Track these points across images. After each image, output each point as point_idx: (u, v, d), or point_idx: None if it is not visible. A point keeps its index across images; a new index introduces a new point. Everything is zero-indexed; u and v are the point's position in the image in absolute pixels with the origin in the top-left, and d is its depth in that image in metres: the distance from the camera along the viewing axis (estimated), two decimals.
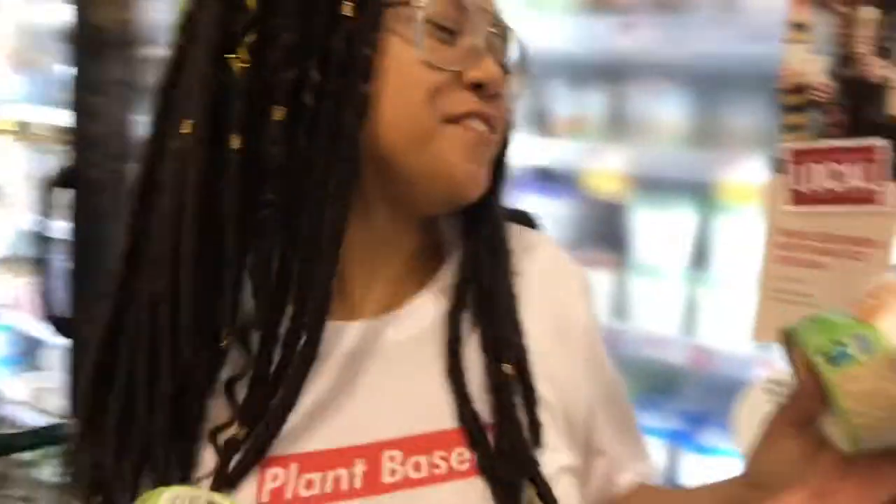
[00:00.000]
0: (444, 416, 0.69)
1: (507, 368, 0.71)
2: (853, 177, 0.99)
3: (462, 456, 0.67)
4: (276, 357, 0.66)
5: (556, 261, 0.83)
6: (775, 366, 1.39)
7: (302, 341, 0.66)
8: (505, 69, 0.73)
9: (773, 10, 1.37)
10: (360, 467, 0.66)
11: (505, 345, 0.72)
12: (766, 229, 1.07)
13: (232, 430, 0.65)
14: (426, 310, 0.74)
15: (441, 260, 0.78)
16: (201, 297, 0.65)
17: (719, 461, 1.55)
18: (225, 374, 0.67)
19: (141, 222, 0.69)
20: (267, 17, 0.65)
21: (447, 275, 0.76)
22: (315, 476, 0.65)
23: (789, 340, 0.61)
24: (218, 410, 0.67)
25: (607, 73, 1.64)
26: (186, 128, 0.66)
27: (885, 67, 0.96)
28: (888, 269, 0.98)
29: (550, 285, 0.80)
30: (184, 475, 0.66)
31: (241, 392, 0.66)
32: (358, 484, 0.66)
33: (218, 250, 0.65)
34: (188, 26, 0.70)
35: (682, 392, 1.66)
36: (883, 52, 0.96)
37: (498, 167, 0.76)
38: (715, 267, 1.53)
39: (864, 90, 0.98)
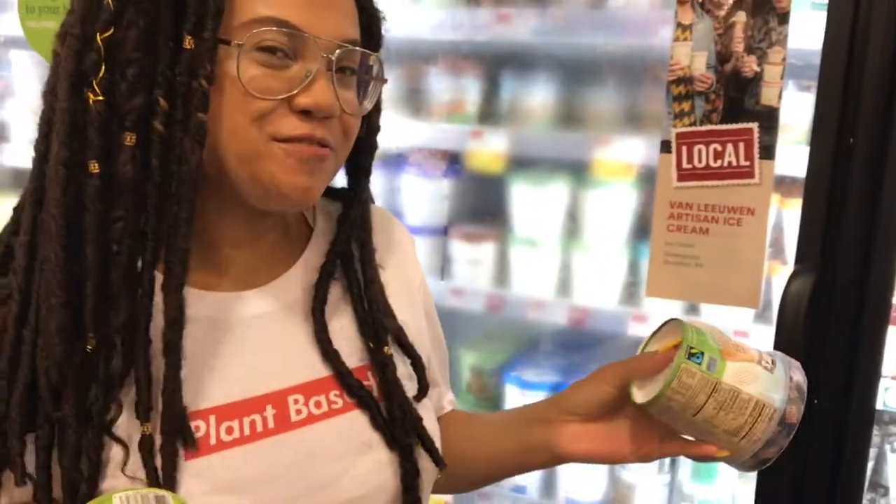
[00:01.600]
0: (322, 366, 0.85)
1: (388, 350, 0.88)
2: (731, 156, 1.18)
3: (339, 395, 0.84)
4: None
5: (394, 230, 0.99)
6: (646, 320, 1.59)
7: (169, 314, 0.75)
8: (361, 85, 0.82)
9: (638, 6, 1.56)
10: (270, 411, 0.80)
11: (382, 329, 0.88)
12: (657, 202, 1.24)
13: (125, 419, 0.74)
14: (294, 283, 0.87)
15: (307, 240, 0.91)
16: (68, 304, 0.72)
17: None
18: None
19: (29, 235, 0.75)
20: (115, 53, 0.72)
21: (313, 254, 0.89)
22: (233, 423, 0.78)
23: (674, 327, 0.86)
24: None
25: (484, 60, 1.76)
26: (56, 147, 0.72)
27: (755, 63, 1.15)
28: (763, 231, 1.18)
29: (394, 253, 0.96)
30: (92, 461, 0.73)
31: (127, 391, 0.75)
32: (271, 425, 0.79)
33: (82, 263, 0.73)
34: (55, 54, 0.75)
35: (562, 348, 1.83)
36: (754, 51, 1.15)
37: (359, 161, 0.89)
38: (586, 235, 1.71)
39: (740, 82, 1.16)
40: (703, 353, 0.80)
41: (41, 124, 0.76)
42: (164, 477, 0.73)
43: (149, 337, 0.74)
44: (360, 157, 0.89)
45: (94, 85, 0.71)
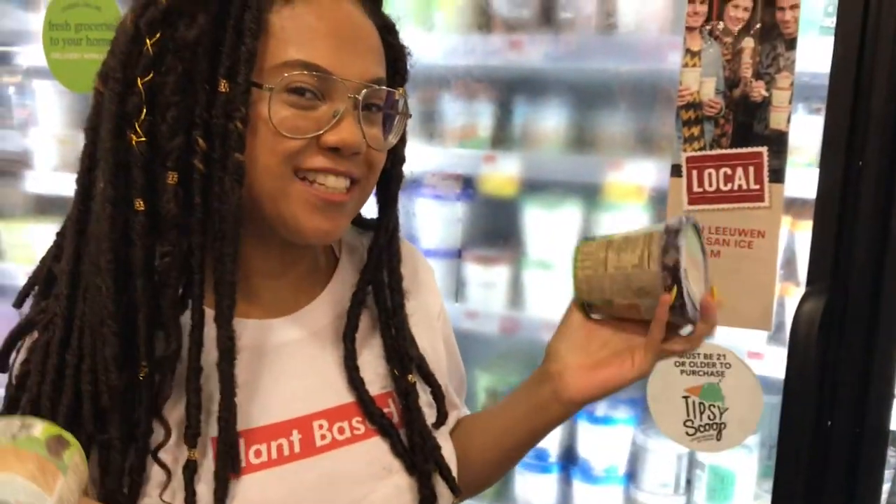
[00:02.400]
0: (350, 392, 0.87)
1: (412, 378, 0.90)
2: (741, 179, 1.19)
3: (362, 421, 0.87)
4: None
5: (417, 261, 1.02)
6: None
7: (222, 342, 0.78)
8: (386, 121, 0.85)
9: (647, 32, 1.58)
10: (296, 435, 0.83)
11: (406, 357, 0.91)
12: None
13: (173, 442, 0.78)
14: (321, 311, 0.90)
15: (334, 269, 0.94)
16: (119, 333, 0.75)
17: (615, 430, 1.74)
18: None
19: (71, 264, 0.78)
20: (155, 96, 0.75)
21: (338, 283, 0.93)
22: (261, 447, 0.81)
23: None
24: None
25: (496, 85, 1.79)
26: (101, 184, 0.76)
27: (764, 88, 1.17)
28: (774, 254, 1.19)
29: (416, 283, 0.99)
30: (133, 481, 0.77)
31: (172, 412, 0.78)
32: (297, 449, 0.82)
33: (132, 295, 0.76)
34: (101, 91, 0.78)
35: None
36: (762, 76, 1.17)
37: (387, 191, 0.92)
38: None
39: (749, 107, 1.18)
40: (594, 237, 0.91)
41: (83, 158, 0.79)
42: (216, 501, 0.76)
43: (200, 366, 0.77)
44: (388, 187, 0.91)
45: (137, 126, 0.74)
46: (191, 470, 0.76)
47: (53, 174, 2.15)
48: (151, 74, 0.74)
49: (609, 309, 0.90)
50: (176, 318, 0.77)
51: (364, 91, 0.79)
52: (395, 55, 0.87)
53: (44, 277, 0.85)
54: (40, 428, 0.65)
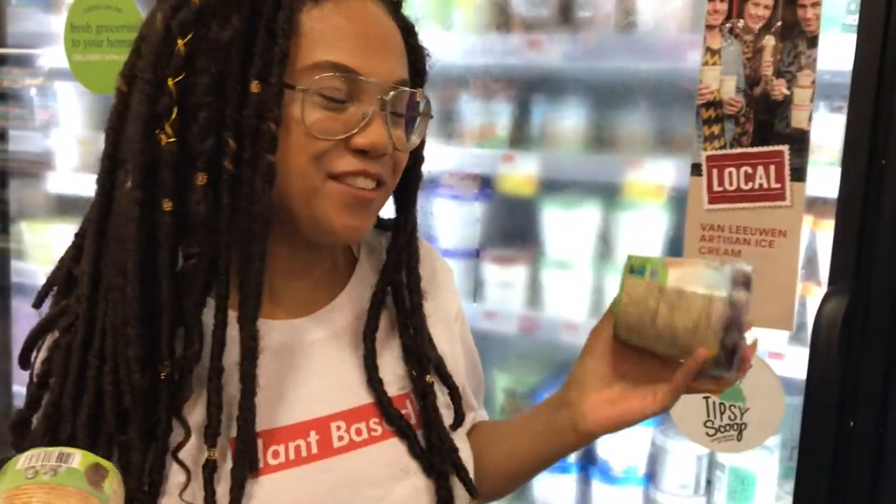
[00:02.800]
0: (367, 394, 0.87)
1: (429, 378, 0.90)
2: (762, 178, 1.18)
3: (379, 422, 0.87)
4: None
5: (435, 261, 1.02)
6: None
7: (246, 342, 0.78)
8: (409, 122, 0.85)
9: (667, 30, 1.57)
10: (314, 436, 0.83)
11: (424, 357, 0.91)
12: (688, 225, 1.24)
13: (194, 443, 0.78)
14: (341, 311, 0.90)
15: (353, 269, 0.94)
16: (144, 335, 0.76)
17: (634, 431, 1.73)
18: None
19: (91, 265, 0.79)
20: (186, 97, 0.75)
21: (358, 283, 0.93)
22: (279, 447, 0.81)
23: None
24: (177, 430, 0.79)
25: (515, 84, 1.78)
26: (128, 184, 0.76)
27: (785, 86, 1.16)
28: (795, 253, 1.18)
29: (435, 284, 0.98)
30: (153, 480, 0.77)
31: (192, 412, 0.79)
32: (315, 450, 0.82)
33: (156, 296, 0.76)
34: (125, 91, 0.79)
35: None
36: (783, 74, 1.16)
37: (406, 192, 0.92)
38: (618, 257, 1.71)
39: (769, 105, 1.17)
40: (644, 267, 0.84)
41: (104, 159, 0.79)
42: (231, 500, 0.76)
43: (221, 366, 0.78)
44: (407, 187, 0.91)
45: (167, 127, 0.74)
46: (210, 469, 0.77)
47: (74, 175, 2.17)
48: (183, 75, 0.74)
49: (643, 347, 0.86)
50: (198, 318, 0.77)
51: (391, 93, 0.80)
52: (415, 56, 0.87)
53: (63, 278, 0.85)
54: (78, 459, 0.65)
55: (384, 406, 0.87)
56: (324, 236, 0.82)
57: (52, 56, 2.13)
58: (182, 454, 0.77)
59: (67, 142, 2.21)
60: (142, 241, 0.75)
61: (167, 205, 0.74)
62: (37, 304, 0.88)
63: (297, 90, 0.76)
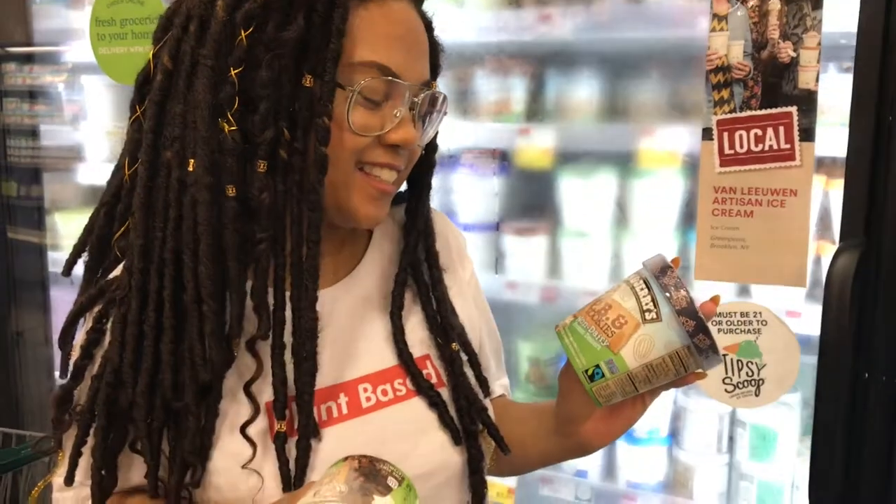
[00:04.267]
0: (391, 356, 0.93)
1: (455, 346, 0.95)
2: (771, 139, 1.22)
3: (403, 382, 0.92)
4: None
5: (448, 231, 1.06)
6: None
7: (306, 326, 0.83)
8: (428, 117, 0.89)
9: (674, 1, 1.60)
10: (343, 398, 0.88)
11: (450, 327, 0.96)
12: (701, 188, 1.28)
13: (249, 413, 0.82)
14: (363, 278, 0.96)
15: (369, 236, 0.99)
16: (219, 311, 0.80)
17: None
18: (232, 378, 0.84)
19: (142, 239, 0.81)
20: (246, 87, 0.79)
21: (375, 251, 0.98)
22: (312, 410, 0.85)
23: (561, 337, 0.85)
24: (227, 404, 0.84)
25: (528, 59, 1.82)
26: (191, 167, 0.79)
27: (791, 48, 1.19)
28: (806, 211, 1.21)
29: (448, 253, 1.03)
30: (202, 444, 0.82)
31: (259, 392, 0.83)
32: (345, 411, 0.88)
33: (224, 276, 0.80)
34: (170, 69, 0.81)
35: None
36: (789, 36, 1.18)
37: (422, 178, 0.97)
38: (635, 224, 1.75)
39: (777, 68, 1.20)
40: (597, 367, 0.81)
41: (148, 132, 0.82)
42: (296, 470, 0.81)
43: (284, 343, 0.83)
44: (423, 173, 0.97)
45: (229, 116, 0.78)
46: (281, 442, 0.82)
47: (105, 165, 2.23)
48: (243, 66, 0.78)
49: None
50: (265, 298, 0.81)
51: (422, 95, 0.85)
52: (433, 52, 0.92)
53: (97, 248, 0.89)
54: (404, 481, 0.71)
55: (408, 366, 0.92)
56: (346, 222, 0.88)
57: (78, 51, 2.18)
58: (220, 420, 0.82)
59: (96, 134, 2.27)
60: (214, 224, 0.78)
61: (231, 190, 0.78)
62: (66, 272, 0.92)
63: (347, 90, 0.80)
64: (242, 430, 0.82)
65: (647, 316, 0.79)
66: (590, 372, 0.81)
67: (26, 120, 2.37)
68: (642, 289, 0.81)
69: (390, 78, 0.82)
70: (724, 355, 1.33)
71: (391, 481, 0.70)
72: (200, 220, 0.78)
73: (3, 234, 2.29)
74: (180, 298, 0.80)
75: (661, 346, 0.79)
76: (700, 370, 0.83)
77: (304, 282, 0.82)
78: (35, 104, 2.38)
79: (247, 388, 0.83)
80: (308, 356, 0.83)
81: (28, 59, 2.36)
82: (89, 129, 2.28)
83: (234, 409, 0.84)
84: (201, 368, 0.79)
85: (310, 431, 0.83)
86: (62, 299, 2.33)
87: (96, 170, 2.25)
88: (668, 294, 0.79)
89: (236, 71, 0.78)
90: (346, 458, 0.72)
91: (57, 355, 2.37)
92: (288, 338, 0.83)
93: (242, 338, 0.81)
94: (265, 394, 0.84)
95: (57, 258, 2.34)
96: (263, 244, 0.80)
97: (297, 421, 0.83)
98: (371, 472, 0.70)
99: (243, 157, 0.79)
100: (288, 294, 0.83)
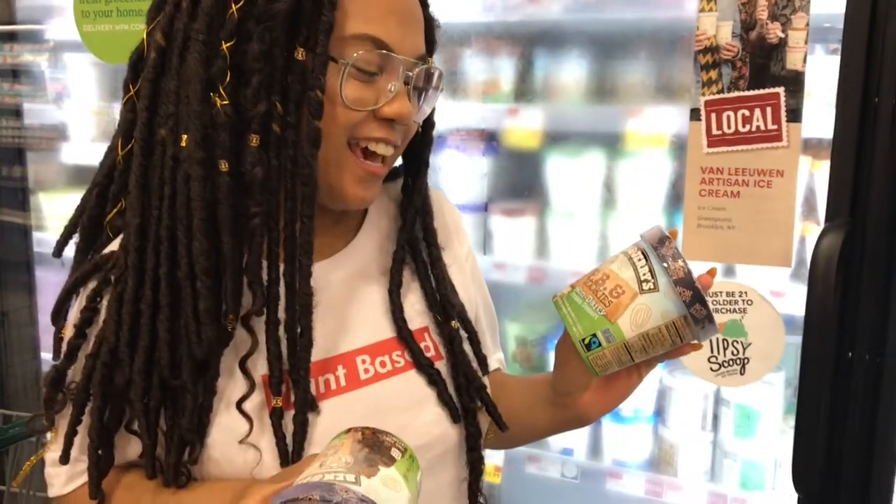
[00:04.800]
0: (388, 328, 0.93)
1: (454, 324, 0.96)
2: (759, 120, 1.22)
3: (401, 354, 0.92)
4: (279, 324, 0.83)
5: (444, 208, 1.06)
6: None
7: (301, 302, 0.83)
8: (424, 93, 0.88)
9: None
10: (341, 370, 0.88)
11: (449, 305, 0.97)
12: (688, 168, 1.29)
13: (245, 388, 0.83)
14: (360, 251, 0.96)
15: (364, 213, 0.99)
16: (213, 288, 0.80)
17: None
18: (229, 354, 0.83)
19: (139, 217, 0.81)
20: (238, 61, 0.78)
21: (371, 224, 0.98)
22: (310, 382, 0.85)
23: (558, 306, 0.86)
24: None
25: (517, 40, 1.81)
26: (184, 142, 0.78)
27: (780, 29, 1.19)
28: (793, 192, 1.22)
29: (445, 230, 1.03)
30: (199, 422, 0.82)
31: (254, 367, 0.83)
32: (343, 383, 0.88)
33: (218, 252, 0.80)
34: (163, 46, 0.81)
35: None
36: (778, 17, 1.19)
37: (420, 155, 0.96)
38: (622, 205, 1.76)
39: (765, 49, 1.20)
40: (594, 336, 0.82)
41: (143, 110, 0.81)
42: (294, 444, 0.82)
43: (278, 318, 0.82)
44: (420, 151, 0.96)
45: (221, 90, 0.77)
46: (277, 417, 0.82)
47: (90, 145, 2.22)
48: (234, 40, 0.77)
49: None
50: (260, 273, 0.81)
51: (416, 69, 0.84)
52: (428, 27, 0.91)
53: (88, 229, 0.88)
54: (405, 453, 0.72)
55: (407, 340, 0.92)
56: (335, 203, 0.87)
57: (61, 28, 2.16)
58: (224, 395, 0.83)
59: (80, 113, 2.25)
60: (208, 199, 0.78)
61: (224, 165, 0.78)
62: (57, 253, 0.92)
63: (339, 63, 0.80)
64: (238, 405, 0.82)
65: (645, 286, 0.80)
66: (587, 341, 0.82)
67: (8, 99, 2.35)
68: (640, 259, 0.82)
69: (384, 51, 0.81)
70: None
71: (395, 452, 0.71)
72: (194, 195, 0.78)
73: None
74: (175, 276, 0.80)
75: (657, 316, 0.80)
76: (696, 341, 0.83)
77: (298, 257, 0.82)
78: (17, 83, 2.36)
79: (242, 364, 0.82)
80: (303, 331, 0.83)
81: (10, 37, 2.33)
82: (73, 108, 2.26)
83: (231, 385, 0.84)
84: (196, 346, 0.79)
85: (307, 406, 0.83)
86: (47, 280, 2.31)
87: (81, 149, 2.23)
88: (665, 264, 0.80)
89: (228, 45, 0.77)
90: (348, 430, 0.73)
91: (43, 335, 2.36)
92: (282, 313, 0.83)
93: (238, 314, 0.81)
94: (260, 369, 0.84)
95: (42, 238, 2.32)
96: (257, 219, 0.79)
97: (294, 396, 0.83)
98: (375, 443, 0.70)
99: (235, 132, 0.78)
100: (282, 269, 0.83)
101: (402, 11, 0.84)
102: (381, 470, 0.67)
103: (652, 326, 0.81)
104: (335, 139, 0.82)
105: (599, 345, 0.82)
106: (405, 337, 0.92)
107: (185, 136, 0.78)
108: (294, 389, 0.83)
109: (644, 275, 0.81)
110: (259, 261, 0.81)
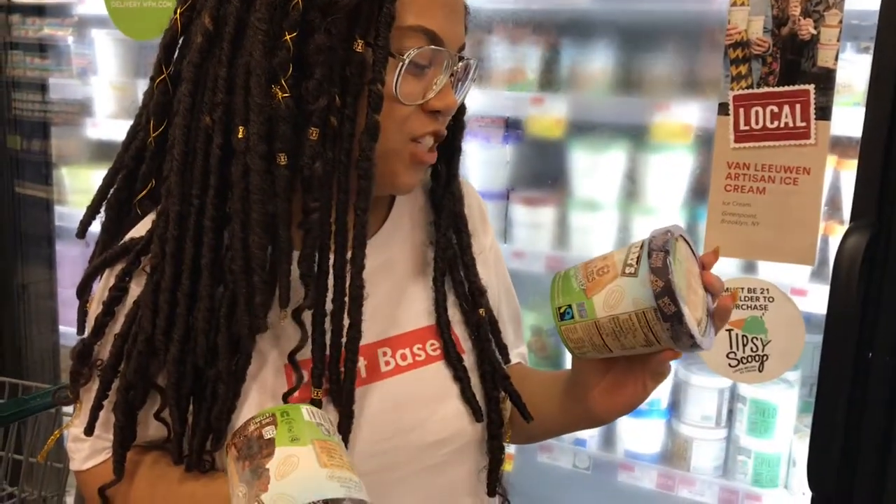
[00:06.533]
0: (420, 318, 0.93)
1: (482, 312, 0.96)
2: (787, 117, 1.21)
3: (434, 345, 0.92)
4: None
5: (471, 198, 1.05)
6: None
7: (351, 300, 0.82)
8: (462, 82, 0.88)
9: None
10: (362, 362, 0.87)
11: (478, 293, 0.96)
12: (714, 163, 1.28)
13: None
14: (388, 239, 0.95)
15: (390, 200, 0.98)
16: (271, 283, 0.79)
17: None
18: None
19: (178, 205, 0.80)
20: (300, 53, 0.77)
21: (399, 212, 0.97)
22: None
23: (553, 280, 0.87)
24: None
25: (543, 28, 1.80)
26: (241, 134, 0.77)
27: (812, 26, 1.18)
28: (819, 190, 1.21)
29: (473, 217, 1.02)
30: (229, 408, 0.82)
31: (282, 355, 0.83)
32: (363, 375, 0.87)
33: (275, 245, 0.79)
34: (210, 30, 0.79)
35: None
36: (811, 14, 1.18)
37: (453, 141, 0.95)
38: (645, 198, 1.75)
39: (796, 45, 1.19)
40: (570, 307, 0.82)
41: (186, 96, 0.80)
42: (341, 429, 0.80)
43: (325, 311, 0.82)
44: (453, 136, 0.95)
45: (283, 82, 0.76)
46: (316, 407, 0.80)
47: (113, 121, 2.23)
48: (297, 31, 0.76)
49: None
50: (313, 267, 0.80)
51: (461, 63, 0.85)
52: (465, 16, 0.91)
53: (115, 209, 0.88)
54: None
55: (444, 336, 0.92)
56: (383, 189, 0.86)
57: (88, 3, 2.16)
58: (248, 384, 0.82)
59: (105, 88, 2.26)
60: (267, 192, 0.77)
61: (282, 158, 0.77)
62: (80, 234, 0.92)
63: (397, 58, 0.79)
64: (284, 398, 0.81)
65: (627, 270, 0.79)
66: (562, 310, 0.82)
67: (34, 73, 2.36)
68: (637, 247, 0.81)
69: (435, 45, 0.81)
70: (729, 330, 1.34)
71: (266, 433, 0.67)
72: (253, 188, 0.76)
73: (10, 188, 2.29)
74: (218, 266, 0.80)
75: (629, 302, 0.79)
76: (671, 346, 0.80)
77: (353, 249, 0.81)
78: (43, 57, 2.37)
79: (291, 358, 0.81)
80: (353, 323, 0.82)
81: (38, 11, 2.34)
82: (98, 84, 2.27)
83: (262, 373, 0.84)
84: (247, 339, 0.79)
85: (352, 399, 0.83)
86: (68, 254, 2.33)
87: (104, 125, 2.25)
88: (649, 254, 0.79)
89: (291, 35, 0.76)
90: (227, 449, 0.70)
91: (62, 308, 2.37)
92: (328, 305, 0.83)
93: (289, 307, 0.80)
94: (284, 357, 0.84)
95: (63, 213, 2.34)
96: (316, 213, 0.79)
97: (343, 388, 0.83)
98: (247, 447, 0.67)
99: (298, 126, 0.78)
100: (332, 260, 0.82)
101: (451, 2, 0.83)
102: (268, 468, 0.65)
103: (623, 311, 0.79)
104: (391, 133, 0.82)
105: (572, 317, 0.81)
106: (443, 327, 0.92)
107: (241, 128, 0.77)
108: (343, 381, 0.83)
109: (631, 260, 0.80)
110: (312, 254, 0.80)
